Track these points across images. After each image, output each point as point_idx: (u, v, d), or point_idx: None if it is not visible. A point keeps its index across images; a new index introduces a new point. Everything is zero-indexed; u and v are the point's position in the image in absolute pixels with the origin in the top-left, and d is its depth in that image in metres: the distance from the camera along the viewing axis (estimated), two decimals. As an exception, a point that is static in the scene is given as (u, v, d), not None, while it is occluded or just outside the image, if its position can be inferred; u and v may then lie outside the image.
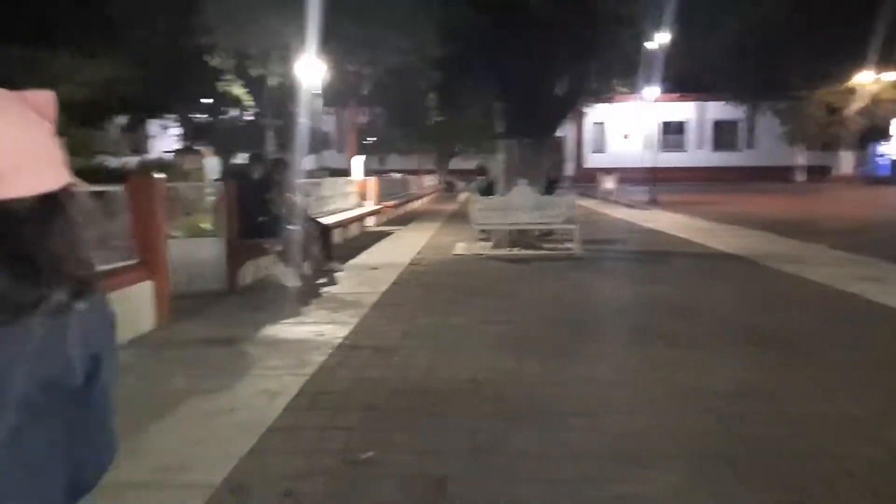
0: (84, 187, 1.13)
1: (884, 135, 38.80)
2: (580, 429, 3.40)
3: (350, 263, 9.28)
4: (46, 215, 1.02)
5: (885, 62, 34.86)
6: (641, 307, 6.44)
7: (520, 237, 10.92)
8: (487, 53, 10.66)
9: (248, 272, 7.85)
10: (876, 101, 37.84)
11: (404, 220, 18.04)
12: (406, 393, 3.98)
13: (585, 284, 7.80)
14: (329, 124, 40.70)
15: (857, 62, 35.04)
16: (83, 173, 1.19)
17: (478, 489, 2.78)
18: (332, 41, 13.32)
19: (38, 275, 1.01)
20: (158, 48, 18.69)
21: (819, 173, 42.17)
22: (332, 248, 9.24)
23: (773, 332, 5.29)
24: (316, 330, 5.47)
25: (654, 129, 32.97)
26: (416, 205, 24.72)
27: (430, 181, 35.35)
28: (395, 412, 3.68)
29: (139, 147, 32.73)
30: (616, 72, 16.00)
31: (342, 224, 12.29)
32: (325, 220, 10.17)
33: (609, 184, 28.26)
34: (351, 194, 14.98)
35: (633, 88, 28.42)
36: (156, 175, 6.32)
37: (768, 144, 47.34)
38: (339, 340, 5.12)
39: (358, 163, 16.41)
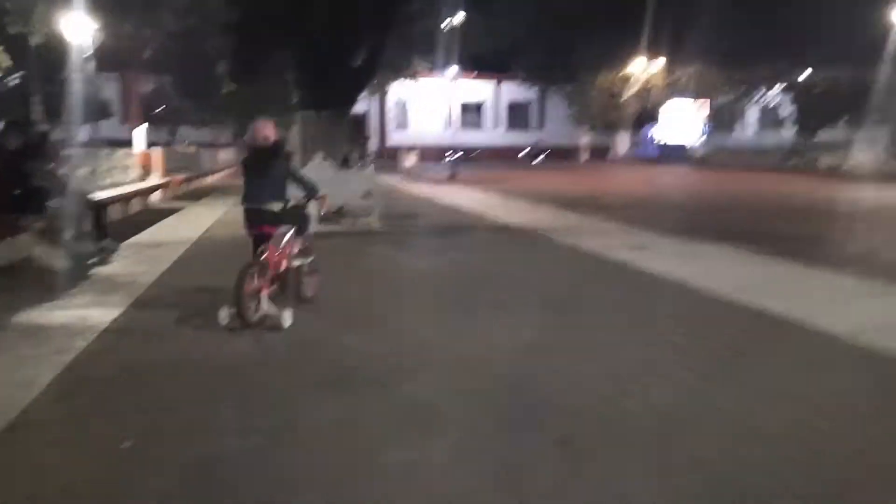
0: None
1: (655, 119, 42.89)
2: (371, 397, 3.34)
3: (128, 242, 8.54)
4: None
5: (655, 51, 38.51)
6: (436, 277, 6.54)
7: (316, 212, 10.66)
8: (280, 20, 10.24)
9: (2, 251, 6.93)
10: (648, 86, 41.70)
11: (196, 195, 16.99)
12: (178, 376, 3.68)
13: (383, 257, 7.79)
14: (111, 92, 37.34)
15: (633, 50, 38.40)
16: None
17: (246, 467, 2.62)
18: (102, -3, 12.10)
19: None
20: None
21: (601, 153, 45.70)
22: (105, 225, 8.41)
23: (553, 296, 5.59)
24: (79, 314, 4.92)
25: (454, 108, 33.82)
26: (209, 180, 23.44)
27: (226, 155, 33.71)
28: (163, 397, 3.39)
29: None
30: (416, 47, 16.15)
31: (120, 199, 11.30)
32: (100, 195, 9.26)
33: (410, 160, 28.59)
34: (132, 168, 13.82)
35: (433, 66, 29.02)
36: None
37: (557, 125, 50.42)
38: (106, 325, 4.65)
39: (140, 134, 15.16)
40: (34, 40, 14.93)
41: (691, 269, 6.58)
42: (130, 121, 26.56)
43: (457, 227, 10.82)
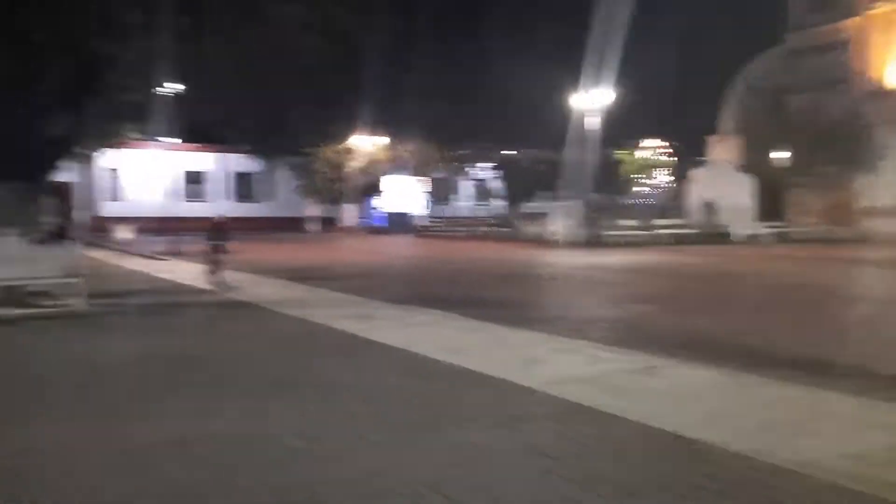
0: None
1: (378, 190, 44.85)
2: None
3: None
4: None
5: (377, 127, 40.68)
6: (145, 361, 6.08)
7: (8, 295, 9.43)
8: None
9: None
10: (372, 160, 43.71)
11: None
12: None
13: (83, 344, 7.07)
14: None
15: (354, 125, 40.20)
16: None
17: None
18: None
19: None
20: None
21: (329, 223, 46.50)
22: None
23: (273, 374, 5.51)
24: None
25: (175, 178, 32.26)
26: None
27: None
28: None
29: None
30: (126, 116, 15.26)
31: None
32: None
33: (124, 233, 26.54)
34: None
35: (146, 135, 27.55)
36: None
37: (285, 196, 50.41)
38: None
39: None
40: None
41: (407, 335, 6.95)
42: None
43: (176, 304, 10.24)
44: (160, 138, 27.81)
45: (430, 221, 43.93)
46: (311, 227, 46.69)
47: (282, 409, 4.50)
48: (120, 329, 8.15)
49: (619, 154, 34.70)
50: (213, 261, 11.66)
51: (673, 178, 35.03)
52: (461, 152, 43.00)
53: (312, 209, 47.72)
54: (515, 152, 41.37)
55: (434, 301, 9.61)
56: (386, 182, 44.38)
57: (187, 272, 15.51)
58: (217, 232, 11.95)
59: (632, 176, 34.53)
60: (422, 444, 3.74)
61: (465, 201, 53.60)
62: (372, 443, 3.79)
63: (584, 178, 31.01)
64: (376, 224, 43.81)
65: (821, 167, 28.06)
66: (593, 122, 28.80)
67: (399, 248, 27.23)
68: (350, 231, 43.97)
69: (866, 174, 27.43)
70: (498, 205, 46.30)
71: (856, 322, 8.23)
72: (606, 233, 26.78)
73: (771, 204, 29.03)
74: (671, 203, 33.35)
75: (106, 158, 33.53)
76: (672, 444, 3.74)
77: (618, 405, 4.42)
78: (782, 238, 25.81)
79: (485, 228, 37.29)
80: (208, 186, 51.46)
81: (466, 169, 48.42)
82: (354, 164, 43.53)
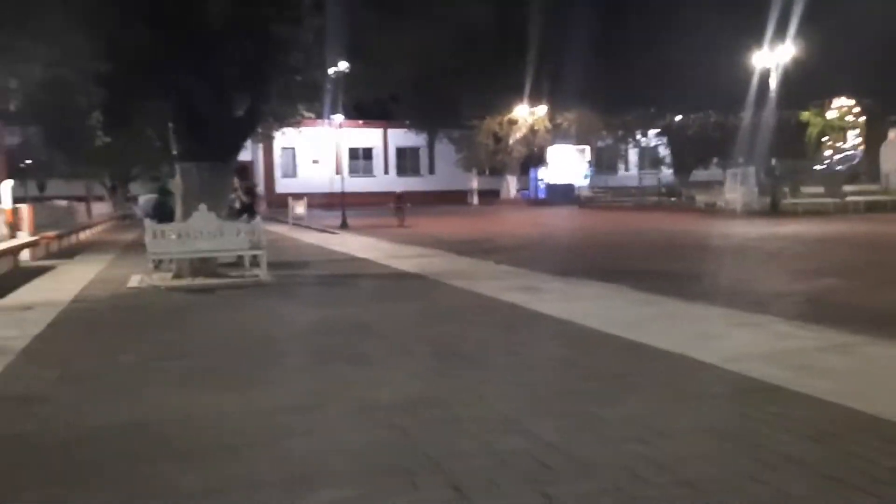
0: None
1: (541, 161, 44.49)
2: (256, 459, 3.22)
3: (-4, 305, 7.97)
4: None
5: (537, 97, 40.25)
6: (327, 329, 6.43)
7: (203, 265, 10.35)
8: (157, 71, 9.97)
9: None
10: (533, 131, 43.37)
11: (70, 252, 16.10)
12: (51, 445, 3.45)
13: (271, 310, 7.61)
14: (-28, 145, 35.09)
15: (516, 96, 40.00)
16: None
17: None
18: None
19: None
20: None
21: (490, 196, 46.84)
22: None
23: (446, 343, 5.62)
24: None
25: (341, 155, 33.83)
26: (84, 235, 22.27)
27: (102, 209, 32.16)
28: (35, 469, 3.16)
29: None
30: (300, 97, 16.12)
31: (-15, 259, 10.55)
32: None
33: (299, 209, 28.29)
34: (-2, 225, 12.95)
35: (319, 114, 29.07)
36: None
37: (447, 170, 51.38)
38: (-30, 394, 4.31)
39: (6, 189, 14.25)
40: None
41: (577, 308, 6.84)
42: (-3, 175, 24.90)
43: (348, 275, 10.75)
44: (329, 116, 29.16)
45: (594, 192, 42.96)
46: (472, 199, 47.28)
47: (448, 375, 4.58)
48: (301, 297, 8.68)
49: (805, 116, 31.96)
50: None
51: (865, 140, 31.78)
52: (626, 119, 41.52)
53: (474, 182, 48.27)
54: (684, 117, 39.31)
55: (602, 273, 9.40)
56: (549, 153, 43.88)
57: (358, 244, 16.26)
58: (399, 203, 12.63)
59: (819, 139, 31.70)
60: (597, 418, 3.66)
61: (631, 170, 51.92)
62: (543, 413, 3.77)
63: (762, 142, 28.92)
64: (539, 196, 43.52)
65: None
66: (772, 82, 26.72)
67: (562, 219, 26.92)
68: (511, 203, 44.06)
69: None
70: (666, 173, 44.34)
71: None
72: (788, 201, 24.91)
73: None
74: (863, 168, 30.37)
75: (281, 137, 35.75)
76: (870, 426, 3.42)
77: (806, 384, 4.09)
78: None
79: (653, 198, 35.93)
80: (372, 162, 53.50)
81: (632, 136, 46.72)
82: (516, 136, 43.38)
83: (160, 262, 10.22)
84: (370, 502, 2.76)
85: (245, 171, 13.74)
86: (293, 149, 48.55)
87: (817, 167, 31.26)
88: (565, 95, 35.66)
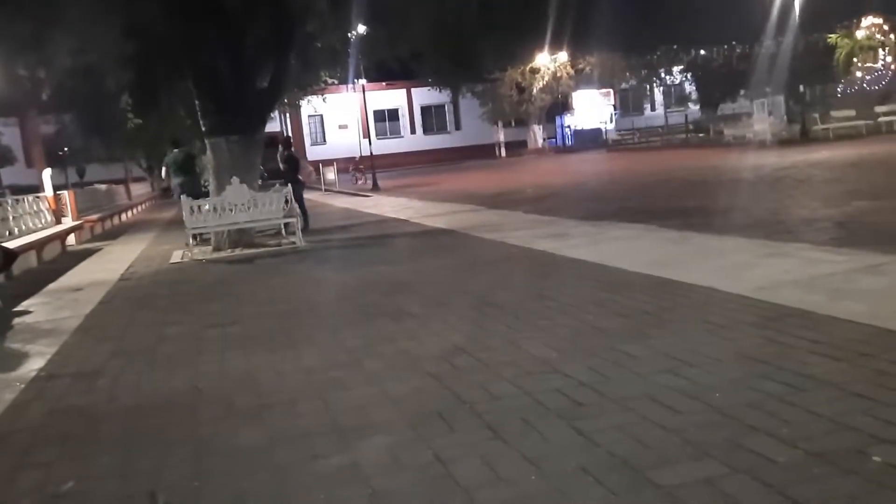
0: None
1: (566, 108, 43.94)
2: (310, 412, 3.42)
3: (48, 288, 8.33)
4: None
5: (558, 44, 39.54)
6: (367, 288, 6.61)
7: (240, 237, 10.63)
8: (179, 49, 10.12)
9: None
10: (556, 78, 42.75)
11: (113, 233, 16.59)
12: (112, 415, 3.69)
13: (310, 275, 7.84)
14: (11, 137, 35.85)
15: (536, 44, 39.32)
16: None
17: (197, 492, 2.68)
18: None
19: None
20: None
21: (517, 147, 46.52)
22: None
23: (479, 292, 5.77)
24: (2, 365, 4.83)
25: (366, 118, 33.85)
26: (126, 216, 22.83)
27: (140, 189, 32.82)
28: (100, 438, 3.40)
29: None
30: (321, 63, 16.17)
31: (33, 246, 10.95)
32: (10, 244, 8.99)
33: (330, 174, 28.54)
34: (42, 212, 13.38)
35: (342, 79, 29.06)
36: None
37: (472, 125, 51.09)
38: (34, 373, 4.59)
39: (47, 177, 14.69)
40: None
41: (606, 250, 6.93)
42: (35, 165, 25.55)
43: (382, 235, 10.94)
44: (352, 81, 29.09)
45: (621, 135, 42.38)
46: (501, 152, 47.00)
47: (483, 324, 4.72)
48: (338, 260, 8.89)
49: (832, 38, 30.92)
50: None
51: (895, 58, 30.67)
52: (648, 57, 40.62)
53: (500, 134, 47.93)
54: (708, 51, 38.33)
55: (632, 214, 9.43)
56: (573, 99, 43.31)
57: (390, 205, 16.42)
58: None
59: (849, 61, 30.69)
60: (628, 355, 3.78)
61: (657, 110, 51.01)
62: (576, 354, 3.90)
63: (789, 69, 28.13)
64: (565, 143, 43.11)
65: None
66: (796, 5, 25.87)
67: (589, 164, 26.72)
68: (539, 152, 43.73)
69: None
70: (693, 110, 43.49)
71: None
72: (819, 126, 24.34)
73: None
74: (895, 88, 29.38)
75: (307, 106, 35.83)
76: (905, 344, 3.46)
77: (838, 307, 4.14)
78: None
79: (681, 136, 35.35)
80: (399, 123, 53.37)
81: (656, 76, 45.76)
82: (539, 84, 42.84)
83: (198, 236, 10.51)
84: (411, 446, 2.93)
85: (287, 141, 13.88)
86: (320, 116, 48.67)
87: (846, 90, 30.34)
88: (586, 39, 34.99)
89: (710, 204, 10.27)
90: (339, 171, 28.47)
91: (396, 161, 44.91)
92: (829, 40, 31.12)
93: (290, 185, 11.34)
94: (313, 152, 48.25)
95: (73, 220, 14.82)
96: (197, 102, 10.60)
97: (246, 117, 10.53)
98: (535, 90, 43.43)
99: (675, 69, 44.02)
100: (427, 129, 53.92)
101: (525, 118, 46.26)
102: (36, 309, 7.07)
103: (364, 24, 15.66)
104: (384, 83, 48.00)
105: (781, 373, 3.27)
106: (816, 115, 25.27)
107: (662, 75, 45.42)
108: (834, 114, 25.59)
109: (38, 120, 25.68)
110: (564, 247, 7.47)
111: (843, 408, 2.83)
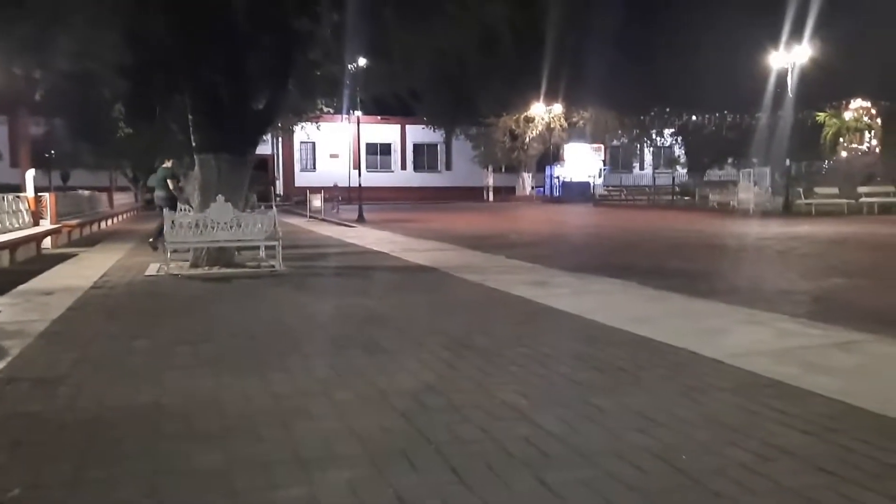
0: None
1: (557, 159, 44.49)
2: (272, 440, 3.35)
3: (17, 290, 8.17)
4: None
5: (554, 96, 40.25)
6: (342, 319, 6.56)
7: (220, 255, 10.53)
8: (179, 61, 10.15)
9: None
10: (549, 129, 43.37)
11: (91, 240, 16.40)
12: (69, 425, 3.59)
13: (287, 300, 7.75)
14: (-2, 135, 35.70)
15: (532, 94, 39.99)
16: None
17: (147, 516, 2.60)
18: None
19: None
20: None
21: (505, 193, 46.90)
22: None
23: (454, 333, 5.73)
24: (-37, 365, 4.71)
25: (358, 150, 34.05)
26: (106, 224, 22.61)
27: (124, 199, 32.57)
28: (53, 446, 3.30)
29: None
30: (319, 91, 16.28)
31: (7, 246, 10.78)
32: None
33: (317, 202, 28.56)
34: (20, 213, 13.21)
35: (337, 109, 29.27)
36: None
37: (463, 166, 51.57)
38: (-8, 374, 4.47)
39: (29, 178, 14.54)
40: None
41: (585, 303, 6.92)
42: (20, 165, 25.34)
43: (362, 267, 10.90)
44: (347, 111, 29.35)
45: (608, 190, 42.88)
46: (489, 196, 47.34)
47: (456, 366, 4.68)
48: (316, 288, 8.81)
49: (821, 116, 31.74)
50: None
51: (881, 142, 31.52)
52: (641, 118, 41.42)
53: (490, 178, 48.36)
54: (700, 117, 39.15)
55: (613, 270, 9.48)
56: (564, 150, 43.89)
57: (374, 238, 16.41)
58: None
59: (835, 140, 31.48)
60: (599, 409, 3.76)
61: (646, 169, 51.81)
62: (546, 403, 3.87)
63: (778, 143, 28.78)
64: (553, 193, 43.53)
65: None
66: (789, 83, 26.56)
67: (576, 216, 26.94)
68: (527, 200, 44.07)
69: None
70: (681, 173, 44.21)
71: None
72: (802, 201, 24.81)
73: None
74: (879, 169, 30.13)
75: (300, 132, 35.99)
76: (871, 423, 3.48)
77: (810, 380, 4.16)
78: None
79: (667, 197, 35.83)
80: (390, 157, 53.71)
81: (647, 136, 46.63)
82: (533, 133, 43.44)
83: (175, 251, 10.42)
84: (372, 482, 2.87)
85: (264, 164, 13.89)
86: (312, 143, 48.85)
87: (830, 168, 31.08)
88: (581, 94, 35.71)
89: (691, 267, 10.36)
90: (325, 200, 28.51)
91: (384, 195, 45.07)
92: (817, 118, 31.93)
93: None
94: (302, 178, 48.36)
95: (51, 223, 14.64)
96: (190, 117, 10.58)
97: (239, 137, 10.53)
98: (528, 138, 43.98)
99: (667, 131, 44.92)
100: (418, 167, 54.28)
101: (516, 165, 46.76)
102: (3, 309, 6.92)
103: (366, 58, 15.84)
104: (379, 117, 48.42)
105: (749, 441, 3.26)
106: (801, 190, 25.76)
107: (654, 136, 46.31)
108: (818, 190, 26.11)
109: (28, 120, 25.55)
110: (545, 295, 7.48)
111: (808, 481, 2.82)
